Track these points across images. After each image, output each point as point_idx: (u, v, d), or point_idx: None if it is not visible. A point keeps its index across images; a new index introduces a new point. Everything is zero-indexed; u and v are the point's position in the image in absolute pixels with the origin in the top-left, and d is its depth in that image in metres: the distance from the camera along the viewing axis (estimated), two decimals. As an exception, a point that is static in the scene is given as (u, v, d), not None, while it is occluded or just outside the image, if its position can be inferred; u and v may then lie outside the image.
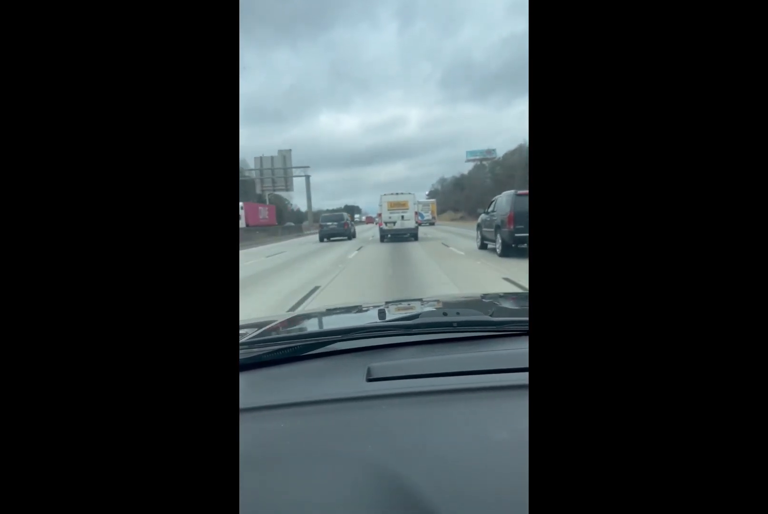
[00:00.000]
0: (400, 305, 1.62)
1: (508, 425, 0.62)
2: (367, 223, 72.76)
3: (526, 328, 0.96)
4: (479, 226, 12.38)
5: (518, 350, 0.85)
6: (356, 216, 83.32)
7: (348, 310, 1.63)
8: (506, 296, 1.90)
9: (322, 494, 0.50)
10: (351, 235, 22.07)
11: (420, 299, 1.79)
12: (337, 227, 20.96)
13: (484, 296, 1.68)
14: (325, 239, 20.75)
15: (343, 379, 0.81)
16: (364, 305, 1.58)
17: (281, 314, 1.60)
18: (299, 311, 4.50)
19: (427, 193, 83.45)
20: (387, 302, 1.54)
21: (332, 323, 1.41)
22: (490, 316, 1.04)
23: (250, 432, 0.57)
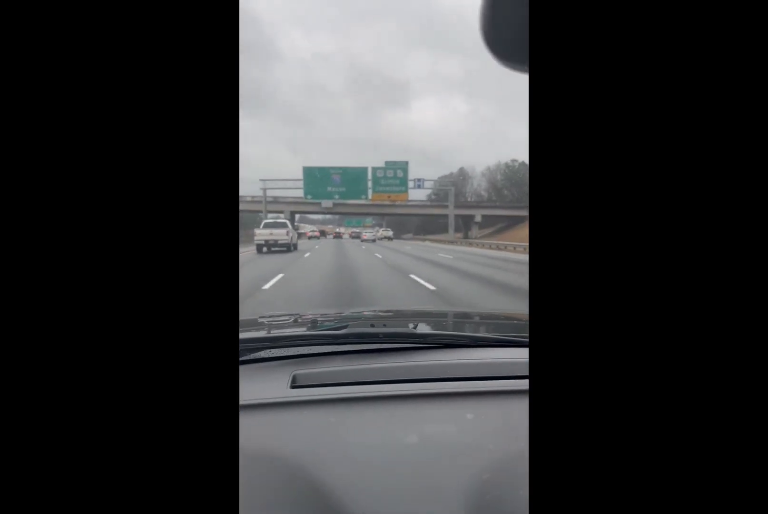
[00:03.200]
0: (334, 316, 1.62)
1: (418, 429, 0.68)
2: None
3: (446, 340, 1.05)
4: None
5: (437, 361, 0.94)
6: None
7: (283, 318, 1.63)
8: (433, 311, 2.24)
9: (243, 499, 0.52)
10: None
11: (357, 312, 1.82)
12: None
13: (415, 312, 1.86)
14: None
15: (267, 385, 0.85)
16: (301, 314, 1.59)
17: None
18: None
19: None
20: (324, 314, 1.61)
21: (264, 331, 1.40)
22: (414, 329, 1.10)
23: None
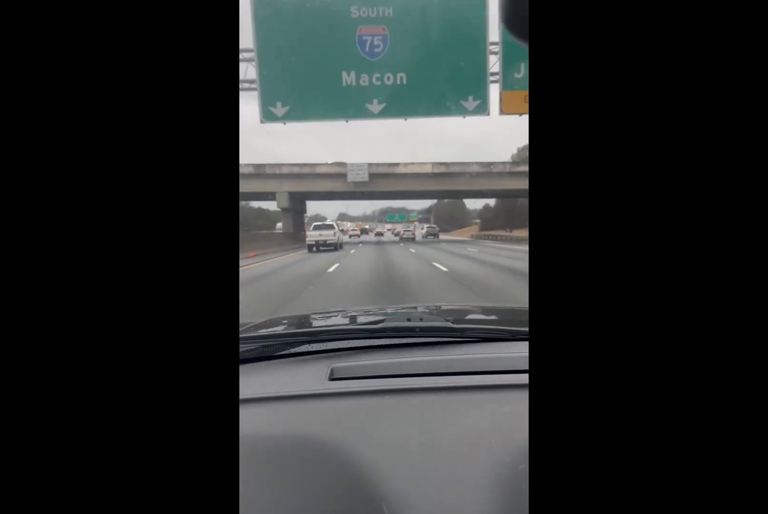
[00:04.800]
0: (373, 312, 1.61)
1: (456, 421, 0.69)
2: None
3: (483, 334, 1.06)
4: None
5: (473, 355, 0.95)
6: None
7: (323, 314, 1.63)
8: (468, 308, 2.22)
9: (279, 477, 0.56)
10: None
11: (394, 308, 1.81)
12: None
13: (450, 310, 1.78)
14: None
15: (307, 377, 0.87)
16: (345, 311, 1.59)
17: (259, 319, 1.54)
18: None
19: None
20: (364, 310, 1.62)
21: (303, 326, 1.45)
22: (451, 323, 1.10)
23: None
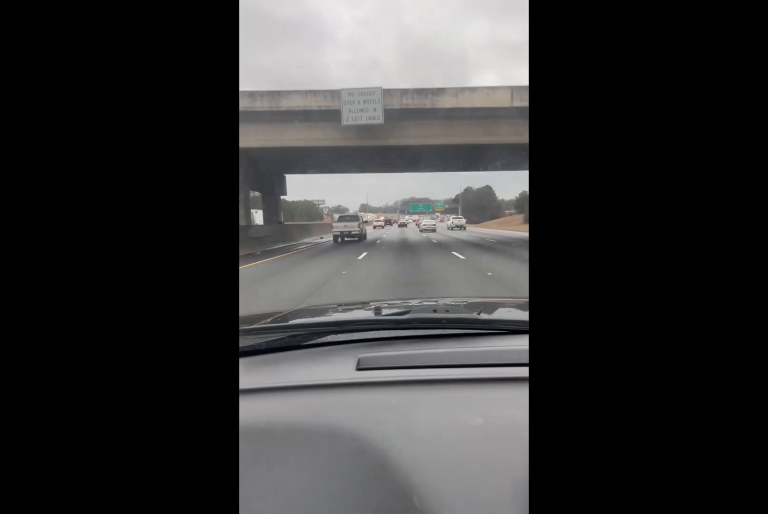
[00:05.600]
0: (399, 304, 1.59)
1: (483, 412, 0.69)
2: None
3: (511, 327, 1.04)
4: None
5: (501, 347, 0.95)
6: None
7: (350, 305, 1.64)
8: (495, 300, 2.19)
9: (308, 466, 0.57)
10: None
11: (418, 299, 1.80)
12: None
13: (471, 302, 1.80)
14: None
15: (334, 367, 0.89)
16: (370, 302, 1.58)
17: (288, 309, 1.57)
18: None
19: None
20: (388, 302, 1.61)
21: (331, 316, 1.45)
22: (477, 315, 1.11)
23: (246, 410, 0.63)
